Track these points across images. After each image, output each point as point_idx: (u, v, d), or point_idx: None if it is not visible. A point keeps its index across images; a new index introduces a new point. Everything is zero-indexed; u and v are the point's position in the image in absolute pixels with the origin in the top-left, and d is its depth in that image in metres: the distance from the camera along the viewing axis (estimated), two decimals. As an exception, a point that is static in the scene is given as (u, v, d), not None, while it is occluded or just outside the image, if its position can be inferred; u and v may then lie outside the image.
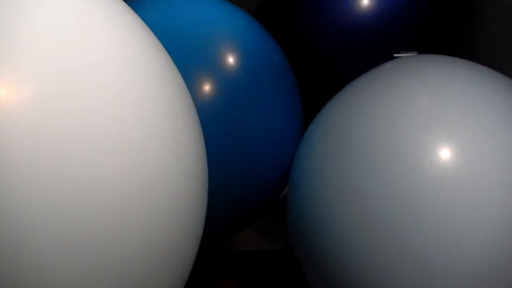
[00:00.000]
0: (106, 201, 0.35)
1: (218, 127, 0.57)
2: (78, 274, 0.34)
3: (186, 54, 0.57)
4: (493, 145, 0.49)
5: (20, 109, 0.32)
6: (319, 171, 0.55)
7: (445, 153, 0.48)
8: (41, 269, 0.33)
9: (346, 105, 0.57)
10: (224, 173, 0.58)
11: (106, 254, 0.36)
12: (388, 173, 0.49)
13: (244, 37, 0.62)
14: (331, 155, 0.54)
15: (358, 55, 0.74)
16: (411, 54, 0.59)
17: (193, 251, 0.45)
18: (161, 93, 0.41)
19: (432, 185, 0.47)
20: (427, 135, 0.50)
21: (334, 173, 0.53)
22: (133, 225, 0.37)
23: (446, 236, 0.47)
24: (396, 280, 0.48)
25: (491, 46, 0.77)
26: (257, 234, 0.83)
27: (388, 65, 0.58)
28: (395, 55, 0.59)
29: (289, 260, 0.68)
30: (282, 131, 0.64)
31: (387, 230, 0.48)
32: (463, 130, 0.49)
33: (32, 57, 0.34)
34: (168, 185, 0.40)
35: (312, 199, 0.55)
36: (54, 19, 0.37)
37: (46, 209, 0.33)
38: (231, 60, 0.60)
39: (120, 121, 0.37)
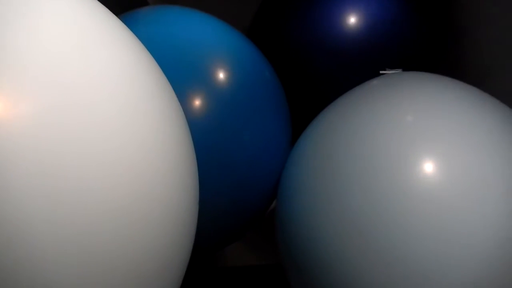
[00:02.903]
0: (99, 212, 0.36)
1: (209, 142, 0.58)
2: (66, 281, 0.35)
3: (178, 70, 0.58)
4: (477, 161, 0.50)
5: (18, 124, 0.33)
6: (307, 185, 0.56)
7: (429, 168, 0.49)
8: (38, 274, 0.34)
9: (333, 120, 0.58)
10: (213, 187, 0.58)
11: (91, 269, 0.36)
12: (375, 187, 0.50)
13: (235, 53, 0.63)
14: (319, 169, 0.55)
15: (345, 71, 0.76)
16: (396, 71, 0.61)
17: (182, 267, 0.45)
18: (154, 107, 0.41)
19: (418, 199, 0.48)
20: (412, 150, 0.51)
21: (322, 187, 0.54)
22: (121, 235, 0.37)
23: (431, 248, 0.47)
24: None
25: (476, 65, 0.79)
26: (245, 249, 0.83)
27: (375, 82, 0.60)
28: (381, 72, 0.61)
29: (277, 274, 0.68)
30: (271, 145, 0.64)
31: (376, 243, 0.49)
32: (448, 146, 0.51)
33: (30, 73, 0.35)
34: (160, 198, 0.40)
35: (300, 213, 0.55)
36: (52, 35, 0.37)
37: (45, 219, 0.33)
38: (222, 76, 0.61)
39: (115, 134, 0.37)
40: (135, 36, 0.44)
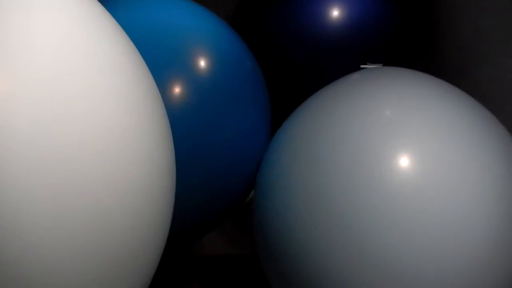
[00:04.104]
0: (72, 197, 0.36)
1: (187, 130, 0.58)
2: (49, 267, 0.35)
3: (159, 57, 0.57)
4: (453, 154, 0.51)
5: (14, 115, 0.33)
6: (286, 176, 0.56)
7: (405, 162, 0.50)
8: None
9: (313, 112, 0.58)
10: (191, 175, 0.58)
11: (68, 255, 0.36)
12: (352, 179, 0.51)
13: (216, 41, 0.63)
14: (298, 160, 0.55)
15: (327, 64, 0.76)
16: (377, 66, 0.61)
17: (157, 253, 0.45)
18: (132, 93, 0.41)
19: (394, 191, 0.49)
20: (389, 144, 0.51)
21: (300, 178, 0.54)
22: (98, 224, 0.37)
23: (408, 239, 0.48)
24: (359, 282, 0.49)
25: (453, 63, 0.81)
26: (221, 239, 0.84)
27: (355, 76, 0.60)
28: (362, 66, 0.61)
29: (253, 264, 0.69)
30: (250, 135, 0.64)
31: (351, 234, 0.49)
32: (424, 140, 0.51)
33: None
34: (135, 185, 0.40)
35: (278, 203, 0.56)
36: (27, 18, 0.37)
37: (37, 211, 0.34)
38: (202, 63, 0.60)
39: (88, 119, 0.37)
40: (115, 21, 0.44)
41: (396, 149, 0.51)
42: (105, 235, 0.38)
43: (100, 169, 0.37)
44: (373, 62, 0.62)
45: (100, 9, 0.42)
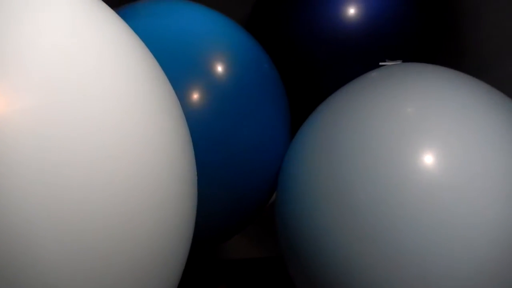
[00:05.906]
0: (96, 208, 0.36)
1: (207, 136, 0.58)
2: (70, 276, 0.35)
3: (176, 63, 0.58)
4: (477, 152, 0.50)
5: (14, 120, 0.33)
6: (307, 177, 0.56)
7: (429, 160, 0.49)
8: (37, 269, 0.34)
9: (333, 112, 0.58)
10: (213, 180, 0.58)
11: (92, 261, 0.36)
12: (375, 179, 0.50)
13: (233, 46, 0.63)
14: (319, 161, 0.55)
15: (345, 63, 0.75)
16: (396, 63, 0.61)
17: (182, 258, 0.46)
18: (150, 102, 0.41)
19: (418, 191, 0.48)
20: (412, 142, 0.51)
21: (322, 179, 0.54)
22: (122, 230, 0.38)
23: (430, 239, 0.48)
24: (386, 284, 0.49)
25: (474, 56, 0.79)
26: (245, 242, 0.84)
27: (374, 73, 0.60)
28: (381, 63, 0.60)
29: (277, 266, 0.69)
30: (270, 137, 0.64)
31: (376, 234, 0.49)
32: (448, 137, 0.50)
33: (25, 69, 0.35)
34: (158, 192, 0.40)
35: (300, 205, 0.56)
36: (45, 30, 0.37)
37: (43, 215, 0.34)
38: (220, 69, 0.60)
39: (111, 130, 0.37)
40: (129, 28, 0.44)
41: (419, 147, 0.50)
42: (128, 245, 0.38)
43: (120, 178, 0.37)
44: (392, 59, 0.61)
45: (113, 16, 0.43)
